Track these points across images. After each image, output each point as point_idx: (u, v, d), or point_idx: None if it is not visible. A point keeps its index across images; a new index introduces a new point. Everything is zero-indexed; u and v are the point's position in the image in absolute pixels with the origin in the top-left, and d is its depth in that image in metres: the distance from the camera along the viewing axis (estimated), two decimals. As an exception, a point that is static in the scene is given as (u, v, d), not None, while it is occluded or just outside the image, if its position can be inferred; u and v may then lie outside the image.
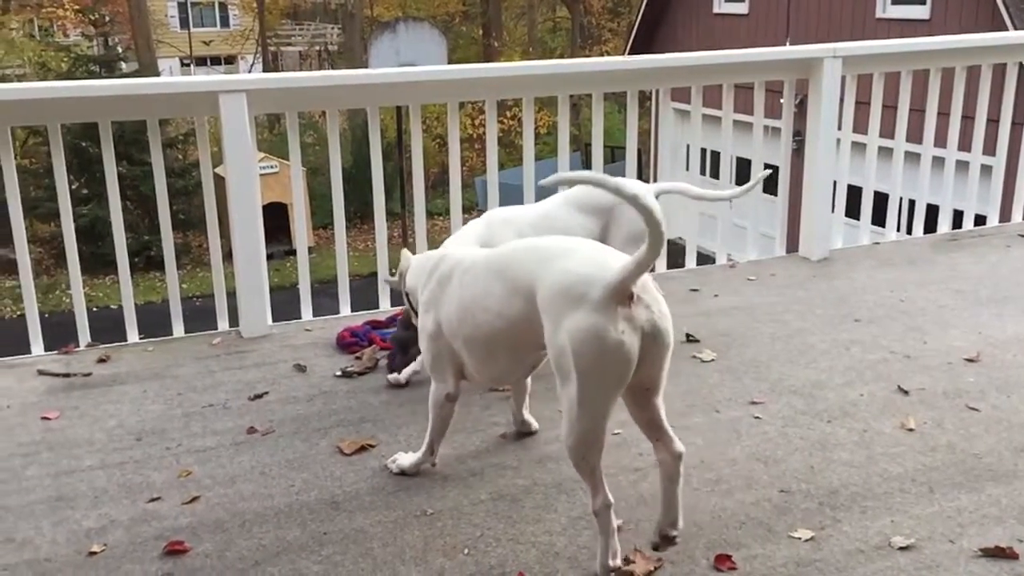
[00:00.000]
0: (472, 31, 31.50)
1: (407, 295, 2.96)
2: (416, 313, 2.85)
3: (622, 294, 2.13)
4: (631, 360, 2.16)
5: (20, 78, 22.45)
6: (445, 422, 2.84)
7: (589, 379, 2.17)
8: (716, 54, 5.01)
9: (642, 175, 4.88)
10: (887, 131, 5.11)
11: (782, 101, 4.97)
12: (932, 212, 5.41)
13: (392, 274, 3.40)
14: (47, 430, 3.26)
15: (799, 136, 5.14)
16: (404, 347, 3.51)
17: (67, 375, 3.69)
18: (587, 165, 6.39)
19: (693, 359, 3.69)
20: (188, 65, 33.95)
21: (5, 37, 24.93)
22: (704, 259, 5.24)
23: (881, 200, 5.23)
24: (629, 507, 2.67)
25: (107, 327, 4.28)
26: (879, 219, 5.32)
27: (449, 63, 15.25)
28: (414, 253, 3.06)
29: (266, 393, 3.49)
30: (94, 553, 2.55)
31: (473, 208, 19.13)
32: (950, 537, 2.52)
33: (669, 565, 2.43)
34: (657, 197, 3.56)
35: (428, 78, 4.57)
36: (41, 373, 3.72)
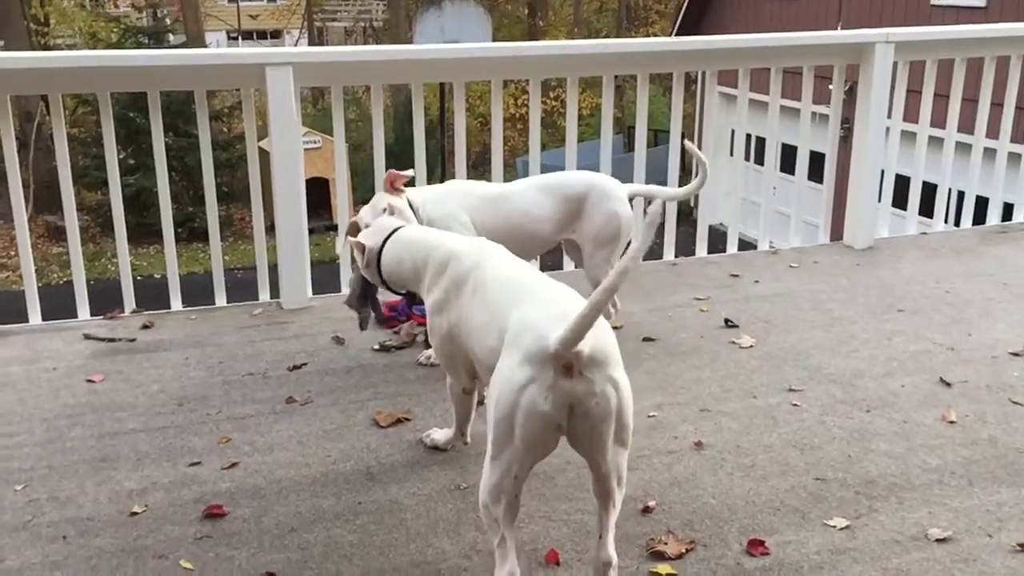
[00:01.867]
0: (517, 10, 31.33)
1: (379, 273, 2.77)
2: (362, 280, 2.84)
3: (558, 359, 1.97)
4: (546, 429, 2.01)
5: (70, 48, 22.79)
6: (467, 411, 2.83)
7: (500, 431, 2.04)
8: (765, 36, 4.93)
9: (685, 160, 4.82)
10: (938, 120, 5.01)
11: (831, 87, 4.89)
12: (982, 204, 5.31)
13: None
14: (92, 392, 3.33)
15: (847, 123, 5.06)
16: None
17: (112, 340, 3.76)
18: (629, 148, 6.35)
19: (731, 344, 3.67)
20: (235, 38, 34.16)
21: (57, 7, 25.25)
22: (745, 246, 5.20)
23: (929, 191, 5.15)
24: (662, 489, 2.68)
25: (150, 295, 4.35)
26: (927, 210, 5.23)
27: (493, 42, 15.21)
28: None
29: (305, 364, 3.53)
30: (135, 513, 2.60)
31: (514, 188, 19.08)
32: (988, 531, 2.48)
33: (701, 548, 2.42)
34: (631, 199, 3.57)
35: (473, 55, 4.56)
36: (87, 337, 3.79)
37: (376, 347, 3.65)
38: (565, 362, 1.98)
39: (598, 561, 2.15)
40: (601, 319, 2.07)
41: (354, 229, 3.02)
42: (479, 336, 2.35)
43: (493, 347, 2.22)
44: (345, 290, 3.32)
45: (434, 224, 3.21)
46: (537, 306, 2.15)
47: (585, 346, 1.96)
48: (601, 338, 2.03)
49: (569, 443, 2.08)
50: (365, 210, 3.20)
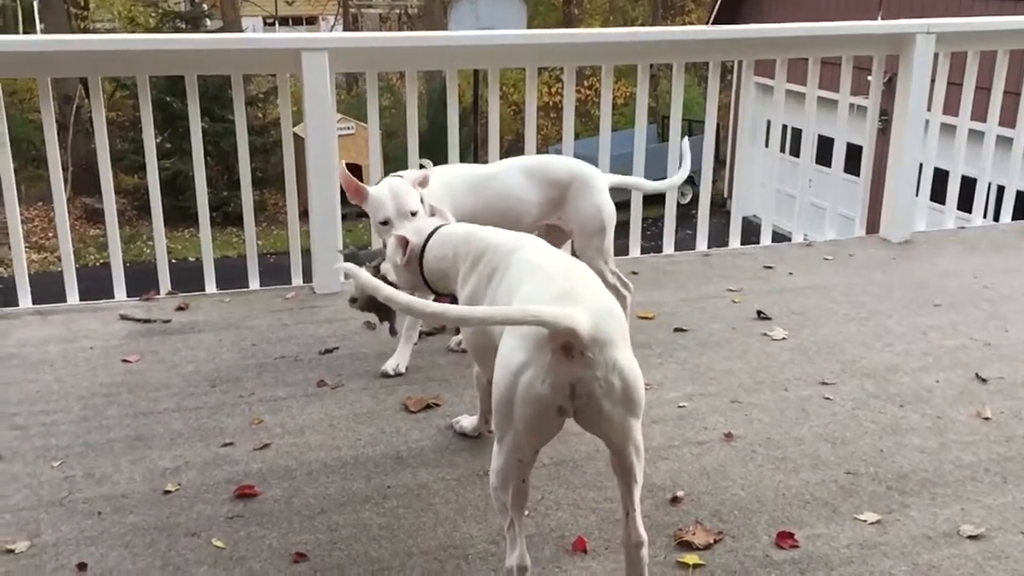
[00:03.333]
0: (552, -2, 31.19)
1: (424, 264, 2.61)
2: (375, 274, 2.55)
3: (555, 341, 1.91)
4: (546, 413, 1.96)
5: (109, 32, 23.02)
6: (491, 401, 2.78)
7: (500, 416, 2.01)
8: (804, 26, 4.88)
9: (720, 150, 4.78)
10: (978, 114, 4.93)
11: (870, 78, 4.83)
12: (1022, 199, 5.22)
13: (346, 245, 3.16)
14: (127, 372, 3.38)
15: (885, 116, 5.00)
16: None
17: (147, 321, 3.81)
18: (664, 138, 6.31)
19: (763, 337, 3.64)
20: (271, 24, 34.36)
21: (97, -9, 25.55)
22: (779, 238, 5.15)
23: (968, 185, 5.07)
24: (691, 479, 2.67)
25: (184, 279, 4.40)
26: (965, 204, 5.15)
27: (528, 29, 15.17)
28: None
29: (336, 348, 3.56)
30: (168, 492, 2.64)
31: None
32: (1022, 528, 2.45)
33: (729, 539, 2.42)
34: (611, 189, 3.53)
35: (508, 42, 4.56)
36: (123, 318, 3.84)
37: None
38: (564, 343, 1.90)
39: (628, 542, 2.11)
40: (607, 294, 2.06)
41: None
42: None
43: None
44: (350, 291, 3.04)
45: None
46: (536, 284, 2.11)
47: (584, 326, 1.88)
48: (603, 316, 1.95)
49: (577, 423, 2.03)
50: (389, 211, 3.02)
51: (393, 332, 3.06)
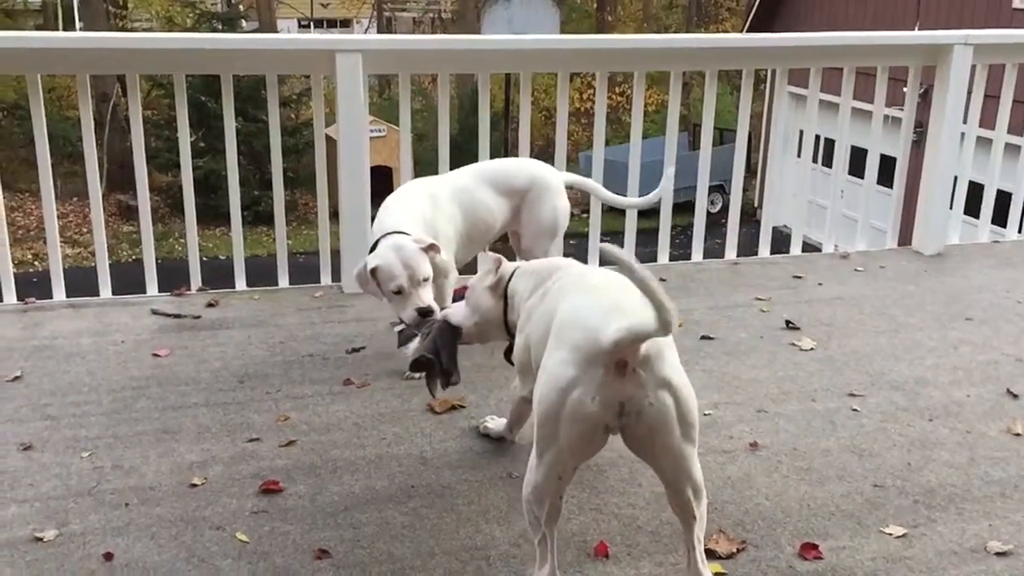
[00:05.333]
0: (586, 4, 31.20)
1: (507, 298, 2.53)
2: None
3: (611, 357, 1.86)
4: (593, 431, 1.92)
5: (147, 31, 23.32)
6: (521, 418, 2.74)
7: (545, 430, 1.96)
8: (839, 35, 4.84)
9: (751, 160, 4.75)
10: (1016, 127, 4.87)
11: (905, 89, 4.78)
12: (1058, 214, 5.15)
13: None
14: (157, 366, 3.42)
15: (920, 127, 4.95)
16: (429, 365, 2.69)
17: (178, 316, 3.86)
18: (695, 146, 6.28)
19: (791, 347, 3.62)
20: (306, 26, 34.63)
21: (136, -9, 25.87)
22: (809, 249, 5.12)
23: (1004, 199, 5.00)
24: (715, 488, 2.65)
25: (214, 276, 4.44)
26: (1000, 219, 5.09)
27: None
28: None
29: (363, 347, 3.58)
30: (195, 485, 2.67)
31: (576, 183, 19.04)
32: (1052, 548, 2.42)
33: (753, 549, 2.40)
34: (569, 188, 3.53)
35: (541, 47, 4.56)
36: (154, 313, 3.89)
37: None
38: (620, 359, 1.86)
39: None
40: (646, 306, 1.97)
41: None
42: (538, 336, 2.23)
43: (540, 335, 2.17)
44: (408, 344, 2.96)
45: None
46: (585, 295, 2.06)
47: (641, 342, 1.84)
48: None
49: (627, 446, 1.98)
50: (402, 280, 2.99)
51: (447, 385, 2.70)
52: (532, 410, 2.61)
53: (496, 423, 2.93)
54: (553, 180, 3.54)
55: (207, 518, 2.52)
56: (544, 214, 3.49)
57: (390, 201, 3.31)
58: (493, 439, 2.90)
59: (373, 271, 3.03)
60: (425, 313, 2.92)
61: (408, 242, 3.04)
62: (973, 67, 4.63)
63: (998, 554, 2.38)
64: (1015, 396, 3.23)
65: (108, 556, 2.35)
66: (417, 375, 2.93)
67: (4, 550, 2.38)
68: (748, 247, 4.89)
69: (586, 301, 2.02)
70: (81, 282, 4.39)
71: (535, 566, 2.12)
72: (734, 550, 2.38)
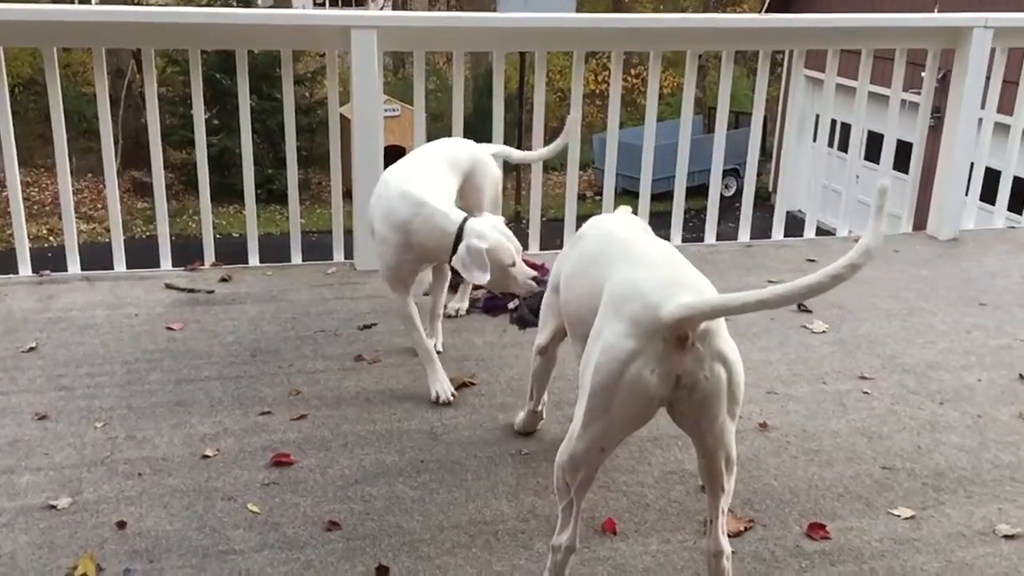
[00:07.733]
0: (602, -14, 30.98)
1: None
2: None
3: (673, 332, 1.86)
4: (648, 404, 1.92)
5: (163, 6, 23.30)
6: (535, 375, 2.73)
7: (597, 400, 1.94)
8: (857, 16, 4.81)
9: (766, 143, 4.73)
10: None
11: (923, 74, 4.74)
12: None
13: None
14: (170, 339, 3.44)
15: (938, 112, 4.91)
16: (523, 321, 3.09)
17: (191, 291, 3.88)
18: (710, 128, 6.26)
19: (803, 329, 3.61)
20: (321, 4, 34.57)
21: (151, -32, 25.83)
22: (823, 234, 5.09)
23: (1020, 186, 4.97)
24: (724, 467, 2.66)
25: (228, 253, 4.45)
26: (1016, 206, 5.05)
27: (577, 16, 15.10)
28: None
29: (375, 324, 3.59)
30: (207, 456, 2.69)
31: (590, 164, 19.02)
32: (1061, 532, 2.42)
33: (760, 528, 2.41)
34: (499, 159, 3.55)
35: (556, 25, 4.54)
36: (168, 287, 3.91)
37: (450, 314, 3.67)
38: (680, 333, 1.86)
39: (708, 550, 2.07)
40: (702, 279, 2.01)
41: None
42: (570, 282, 2.31)
43: (580, 296, 2.19)
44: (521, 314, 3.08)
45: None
46: (642, 268, 2.04)
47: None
48: None
49: (672, 418, 1.99)
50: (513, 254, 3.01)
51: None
52: (549, 364, 2.68)
53: (519, 417, 2.86)
54: (486, 153, 3.55)
55: (219, 489, 2.54)
56: (488, 187, 3.47)
57: (416, 182, 3.19)
58: (503, 417, 2.91)
59: (488, 251, 3.02)
60: (537, 280, 2.98)
61: (494, 219, 3.06)
62: (992, 51, 4.58)
63: (1006, 536, 2.38)
64: (1027, 381, 3.22)
65: (121, 524, 2.38)
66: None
67: (19, 517, 2.41)
68: (762, 231, 4.87)
69: (644, 273, 2.02)
70: (95, 258, 4.41)
71: (555, 531, 2.11)
72: (742, 528, 2.39)
